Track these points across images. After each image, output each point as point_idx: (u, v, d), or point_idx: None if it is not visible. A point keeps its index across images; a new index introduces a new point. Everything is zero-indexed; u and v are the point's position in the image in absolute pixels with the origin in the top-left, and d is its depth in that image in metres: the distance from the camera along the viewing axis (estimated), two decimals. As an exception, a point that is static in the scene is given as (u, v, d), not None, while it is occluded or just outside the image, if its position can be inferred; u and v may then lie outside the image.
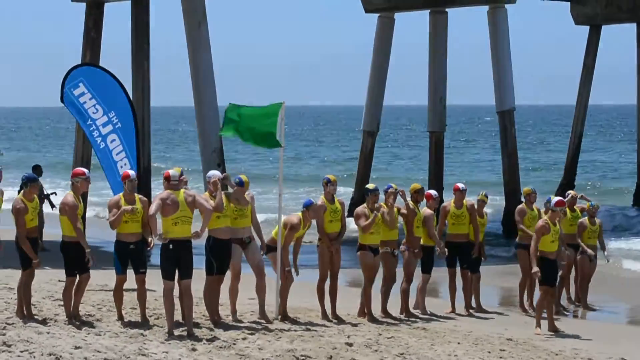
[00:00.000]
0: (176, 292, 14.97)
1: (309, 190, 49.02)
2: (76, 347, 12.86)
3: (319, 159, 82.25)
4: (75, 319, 15.29)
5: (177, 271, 14.90)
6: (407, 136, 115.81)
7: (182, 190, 15.06)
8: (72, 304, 15.35)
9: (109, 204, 15.66)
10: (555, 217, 17.09)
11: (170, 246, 14.86)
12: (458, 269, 19.00)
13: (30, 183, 15.41)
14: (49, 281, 18.99)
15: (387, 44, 37.34)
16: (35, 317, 15.42)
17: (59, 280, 19.10)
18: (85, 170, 15.88)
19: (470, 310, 19.01)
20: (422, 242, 18.18)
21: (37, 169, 26.44)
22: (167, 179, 15.07)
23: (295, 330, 15.86)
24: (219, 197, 15.67)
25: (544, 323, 17.22)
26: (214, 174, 16.27)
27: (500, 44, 34.99)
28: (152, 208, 14.89)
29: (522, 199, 20.48)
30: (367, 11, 36.46)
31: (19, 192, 17.58)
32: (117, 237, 15.61)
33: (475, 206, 19.11)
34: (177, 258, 14.90)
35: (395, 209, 17.50)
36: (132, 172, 16.05)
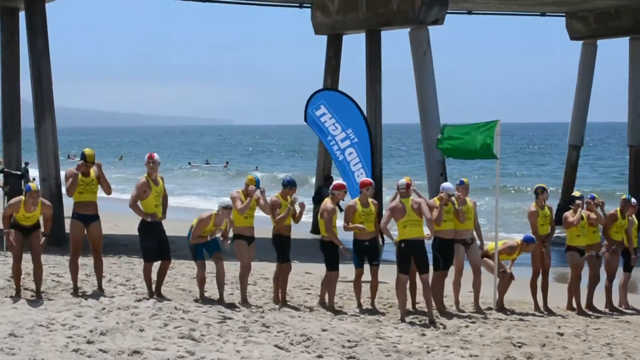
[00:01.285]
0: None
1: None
2: (323, 330, 12.92)
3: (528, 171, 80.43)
4: (322, 306, 15.45)
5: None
6: (606, 150, 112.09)
7: (411, 197, 15.00)
8: (327, 294, 15.54)
9: (347, 209, 15.65)
10: None
11: (402, 245, 14.86)
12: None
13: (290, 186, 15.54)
14: (298, 273, 19.21)
15: (590, 68, 36.34)
16: (288, 303, 15.61)
17: (306, 272, 19.36)
18: (345, 184, 15.91)
19: None
20: (625, 244, 17.52)
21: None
22: (398, 187, 15.08)
23: (511, 320, 15.53)
24: (440, 208, 15.50)
25: None
26: (448, 187, 16.07)
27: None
28: (383, 220, 15.01)
29: None
30: (572, 39, 35.52)
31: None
32: (355, 237, 15.64)
33: None
34: (412, 255, 14.88)
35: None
36: (370, 180, 16.07)
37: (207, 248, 14.85)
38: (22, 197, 14.04)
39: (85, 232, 14.59)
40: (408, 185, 15.16)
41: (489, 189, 46.67)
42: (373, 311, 15.39)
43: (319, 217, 16.01)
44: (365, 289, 15.95)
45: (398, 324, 14.48)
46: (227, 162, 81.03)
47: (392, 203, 15.30)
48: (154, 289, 14.70)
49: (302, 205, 15.50)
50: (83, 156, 14.50)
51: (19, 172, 24.17)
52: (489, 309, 16.33)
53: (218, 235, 14.86)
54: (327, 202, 15.65)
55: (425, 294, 15.03)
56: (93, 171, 14.50)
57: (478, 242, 16.47)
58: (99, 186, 14.63)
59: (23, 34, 25.29)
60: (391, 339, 12.97)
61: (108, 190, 14.83)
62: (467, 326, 14.64)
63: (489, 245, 16.82)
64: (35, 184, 14.26)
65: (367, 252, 15.63)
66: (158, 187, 14.63)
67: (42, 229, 14.35)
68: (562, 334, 14.36)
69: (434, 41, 28.29)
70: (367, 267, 15.63)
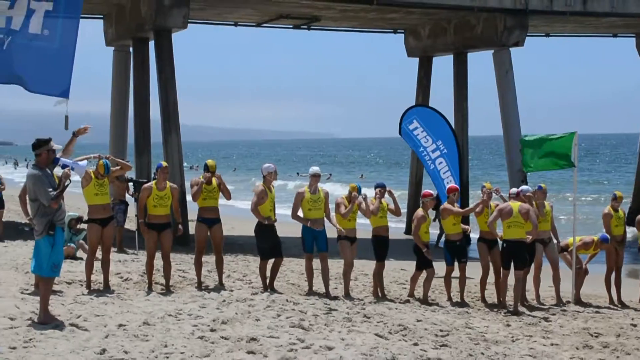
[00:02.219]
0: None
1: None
2: (418, 320, 12.88)
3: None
4: (413, 298, 15.43)
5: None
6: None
7: (518, 202, 15.02)
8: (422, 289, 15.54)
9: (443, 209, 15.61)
10: None
11: (504, 244, 15.05)
12: None
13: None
14: (394, 269, 19.21)
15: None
16: (386, 296, 15.61)
17: (401, 269, 19.32)
18: (432, 192, 15.85)
19: None
20: None
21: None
22: (510, 194, 15.49)
23: (588, 313, 15.27)
24: (532, 212, 15.31)
25: None
26: (527, 189, 15.88)
27: None
28: (490, 218, 15.18)
29: None
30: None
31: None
32: (447, 237, 15.61)
33: None
34: (513, 254, 15.02)
35: None
36: (456, 186, 16.02)
37: (317, 244, 14.96)
38: (153, 182, 14.34)
39: (208, 233, 14.81)
40: (517, 193, 15.37)
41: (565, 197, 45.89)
42: (462, 304, 15.29)
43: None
44: (454, 284, 15.89)
45: (485, 315, 14.39)
46: (329, 174, 79.59)
47: (501, 205, 15.36)
48: (267, 284, 14.84)
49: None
50: (206, 167, 14.72)
51: (146, 180, 24.62)
52: (567, 302, 16.11)
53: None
54: (418, 210, 15.65)
55: (516, 288, 14.91)
56: (215, 180, 14.71)
57: (555, 241, 16.33)
58: (220, 193, 14.82)
59: (152, 60, 25.81)
60: (479, 329, 12.88)
61: (228, 197, 15.03)
62: (547, 318, 14.44)
63: (569, 240, 16.59)
64: (165, 163, 14.53)
65: (457, 250, 15.57)
66: (272, 194, 14.78)
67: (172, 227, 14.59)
68: (635, 325, 14.04)
69: (515, 61, 28.07)
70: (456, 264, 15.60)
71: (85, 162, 12.78)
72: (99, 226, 13.95)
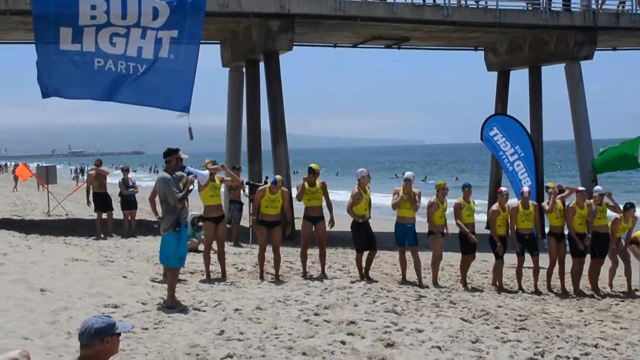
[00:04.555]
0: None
1: None
2: (499, 306, 12.65)
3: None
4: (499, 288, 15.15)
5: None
6: None
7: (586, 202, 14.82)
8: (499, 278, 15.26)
9: (511, 211, 15.24)
10: None
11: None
12: None
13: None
14: (477, 260, 18.88)
15: None
16: (469, 285, 15.38)
17: (483, 260, 19.00)
18: (503, 189, 15.47)
19: None
20: None
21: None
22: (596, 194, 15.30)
23: (655, 300, 14.81)
24: (594, 207, 14.91)
25: None
26: (598, 189, 15.45)
27: None
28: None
29: None
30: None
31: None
32: (517, 231, 15.20)
33: None
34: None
35: None
36: (526, 189, 15.50)
37: (407, 239, 14.82)
38: (267, 185, 14.43)
39: (313, 229, 14.84)
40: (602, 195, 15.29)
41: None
42: (537, 292, 14.98)
43: None
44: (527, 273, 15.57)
45: (560, 301, 14.06)
46: (425, 177, 77.56)
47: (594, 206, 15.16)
48: (363, 273, 14.80)
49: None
50: (311, 170, 14.73)
51: (260, 184, 24.82)
52: (636, 290, 15.61)
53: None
54: (494, 206, 15.39)
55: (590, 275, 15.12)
56: (318, 182, 14.70)
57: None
58: (323, 196, 14.80)
59: (262, 78, 26.07)
60: (554, 314, 12.57)
61: (328, 201, 14.98)
62: (617, 304, 14.02)
63: (637, 232, 16.05)
64: (280, 177, 14.61)
65: (527, 244, 15.21)
66: (367, 194, 14.72)
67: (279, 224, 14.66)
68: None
69: (585, 72, 27.50)
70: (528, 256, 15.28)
71: (207, 171, 12.97)
72: (213, 224, 14.14)
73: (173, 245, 11.01)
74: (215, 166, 14.47)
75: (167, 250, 11.07)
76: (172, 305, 11.02)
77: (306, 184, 14.59)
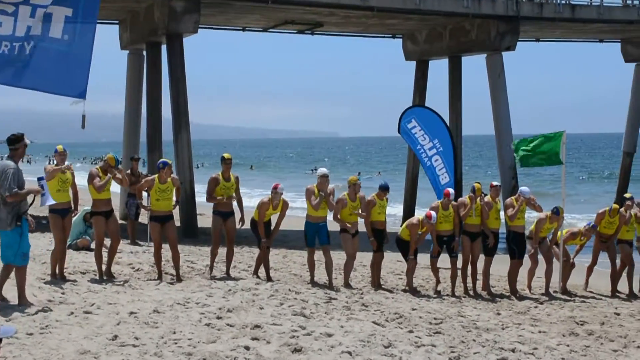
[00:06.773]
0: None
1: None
2: (413, 309, 12.83)
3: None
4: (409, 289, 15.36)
5: None
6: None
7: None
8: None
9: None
10: None
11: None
12: None
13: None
14: (391, 261, 19.07)
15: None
16: (383, 286, 15.54)
17: (397, 261, 19.21)
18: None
19: None
20: None
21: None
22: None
23: (574, 302, 15.22)
24: (517, 208, 15.25)
25: None
26: (525, 191, 15.80)
27: None
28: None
29: None
30: (626, 61, 34.50)
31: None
32: (437, 233, 15.49)
33: None
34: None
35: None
36: (451, 191, 15.70)
37: (319, 238, 14.86)
38: (155, 176, 14.18)
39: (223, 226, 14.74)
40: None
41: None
42: (454, 294, 15.28)
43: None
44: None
45: (477, 304, 14.35)
46: (379, 172, 76.75)
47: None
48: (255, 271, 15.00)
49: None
50: (223, 159, 14.60)
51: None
52: (555, 292, 16.06)
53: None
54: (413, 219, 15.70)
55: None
56: (233, 176, 14.62)
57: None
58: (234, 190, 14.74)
59: (164, 62, 25.80)
60: (471, 317, 12.82)
61: (238, 197, 14.91)
62: (535, 307, 14.41)
63: (559, 233, 16.48)
64: (169, 160, 14.45)
65: (446, 245, 15.47)
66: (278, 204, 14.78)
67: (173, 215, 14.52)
68: (618, 314, 14.04)
69: (507, 64, 28.08)
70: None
71: (51, 200, 12.51)
72: (104, 218, 13.93)
73: (15, 242, 10.69)
74: (59, 167, 13.85)
75: (10, 248, 10.73)
76: (22, 303, 10.87)
77: (221, 178, 14.53)
